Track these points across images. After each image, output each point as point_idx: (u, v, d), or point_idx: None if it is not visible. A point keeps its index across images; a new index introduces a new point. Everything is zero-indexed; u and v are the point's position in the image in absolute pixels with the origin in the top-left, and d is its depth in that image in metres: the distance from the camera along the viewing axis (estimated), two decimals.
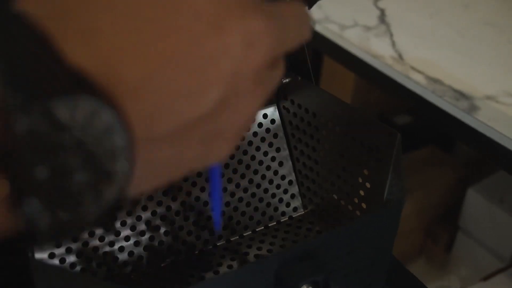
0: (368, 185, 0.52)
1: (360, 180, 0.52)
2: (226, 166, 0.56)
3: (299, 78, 0.55)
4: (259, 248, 0.55)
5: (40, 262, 0.36)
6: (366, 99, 1.38)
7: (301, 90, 0.55)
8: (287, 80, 0.56)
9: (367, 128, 0.50)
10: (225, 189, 0.56)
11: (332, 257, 0.40)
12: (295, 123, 0.57)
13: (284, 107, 0.57)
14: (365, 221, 0.41)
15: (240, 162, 0.57)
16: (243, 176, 0.57)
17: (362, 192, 0.53)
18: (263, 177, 0.58)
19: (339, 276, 0.41)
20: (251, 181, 0.57)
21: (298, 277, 0.37)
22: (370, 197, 0.52)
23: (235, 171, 0.56)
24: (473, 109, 0.82)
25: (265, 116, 0.57)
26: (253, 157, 0.57)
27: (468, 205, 1.29)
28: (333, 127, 0.53)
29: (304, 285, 0.38)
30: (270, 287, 0.38)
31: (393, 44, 0.96)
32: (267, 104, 0.57)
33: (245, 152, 0.57)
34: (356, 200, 0.53)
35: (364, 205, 0.53)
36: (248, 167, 0.57)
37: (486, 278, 1.13)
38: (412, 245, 1.40)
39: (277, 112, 0.58)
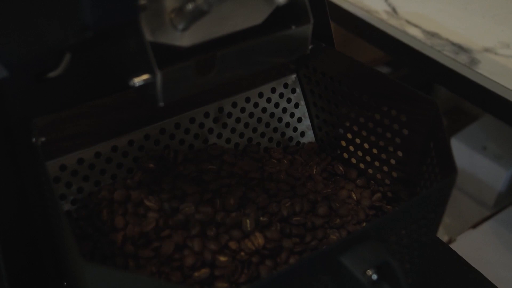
0: (400, 153, 0.50)
1: (391, 149, 0.51)
2: (249, 140, 0.54)
3: (322, 44, 0.52)
4: None
5: (93, 265, 0.33)
6: (344, 50, 1.35)
7: (325, 57, 0.52)
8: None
9: (399, 97, 0.48)
10: None
11: (389, 239, 0.39)
12: (317, 92, 0.54)
13: (305, 75, 0.55)
14: (421, 199, 0.39)
15: (263, 135, 0.54)
16: (265, 150, 0.55)
17: (393, 161, 0.51)
18: (285, 149, 0.56)
19: (397, 258, 0.40)
20: None
21: (361, 262, 0.36)
22: (401, 166, 0.50)
23: (258, 144, 0.54)
24: (473, 62, 0.81)
25: (285, 85, 0.55)
26: (275, 129, 0.55)
27: None
28: (360, 96, 0.51)
29: (368, 270, 0.36)
30: (334, 275, 0.36)
31: None
32: (287, 74, 0.54)
33: (267, 125, 0.54)
34: (386, 169, 0.52)
35: (394, 174, 0.51)
36: (270, 140, 0.55)
37: (474, 226, 1.14)
38: None
39: (297, 81, 0.55)
